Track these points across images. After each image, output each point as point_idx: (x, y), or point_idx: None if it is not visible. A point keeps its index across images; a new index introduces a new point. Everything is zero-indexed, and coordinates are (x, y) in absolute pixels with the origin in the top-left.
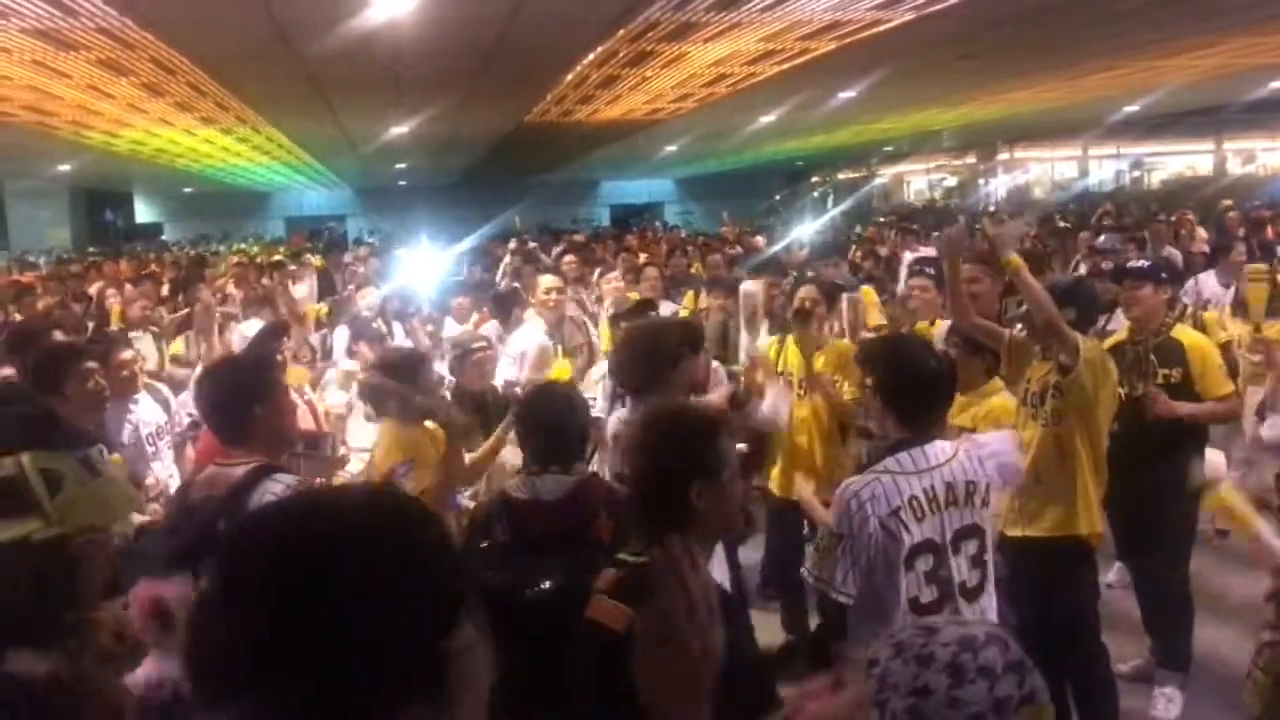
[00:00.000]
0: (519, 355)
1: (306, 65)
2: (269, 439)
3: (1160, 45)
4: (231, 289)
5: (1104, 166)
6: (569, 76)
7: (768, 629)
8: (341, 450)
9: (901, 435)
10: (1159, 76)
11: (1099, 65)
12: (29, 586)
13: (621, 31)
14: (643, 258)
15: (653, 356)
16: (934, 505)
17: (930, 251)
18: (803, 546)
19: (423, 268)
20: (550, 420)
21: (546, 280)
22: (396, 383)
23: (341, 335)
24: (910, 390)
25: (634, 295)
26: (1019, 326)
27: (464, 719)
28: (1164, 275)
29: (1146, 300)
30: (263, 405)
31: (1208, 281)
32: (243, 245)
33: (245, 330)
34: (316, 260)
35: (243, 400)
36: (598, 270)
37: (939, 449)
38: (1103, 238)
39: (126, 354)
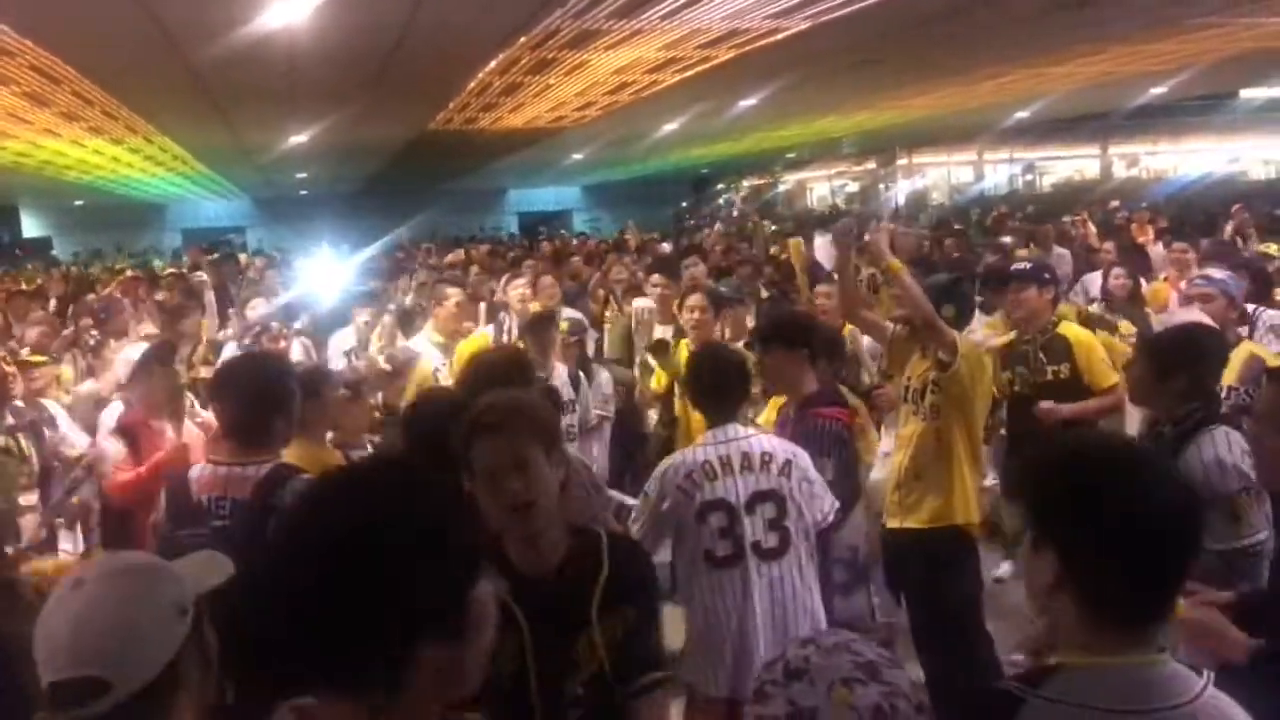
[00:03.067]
0: None
1: (197, 72)
2: (281, 442)
3: (1046, 54)
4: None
5: (998, 171)
6: (470, 84)
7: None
8: None
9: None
10: (1046, 83)
11: (990, 73)
12: None
13: (522, 39)
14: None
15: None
16: (728, 469)
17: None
18: None
19: (319, 279)
20: (436, 432)
21: (454, 292)
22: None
23: (230, 351)
24: (706, 389)
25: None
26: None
27: (473, 658)
28: (1047, 276)
29: (1030, 301)
30: (287, 410)
31: (1094, 280)
32: (132, 263)
33: (129, 354)
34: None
35: (273, 402)
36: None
37: (737, 429)
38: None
39: None
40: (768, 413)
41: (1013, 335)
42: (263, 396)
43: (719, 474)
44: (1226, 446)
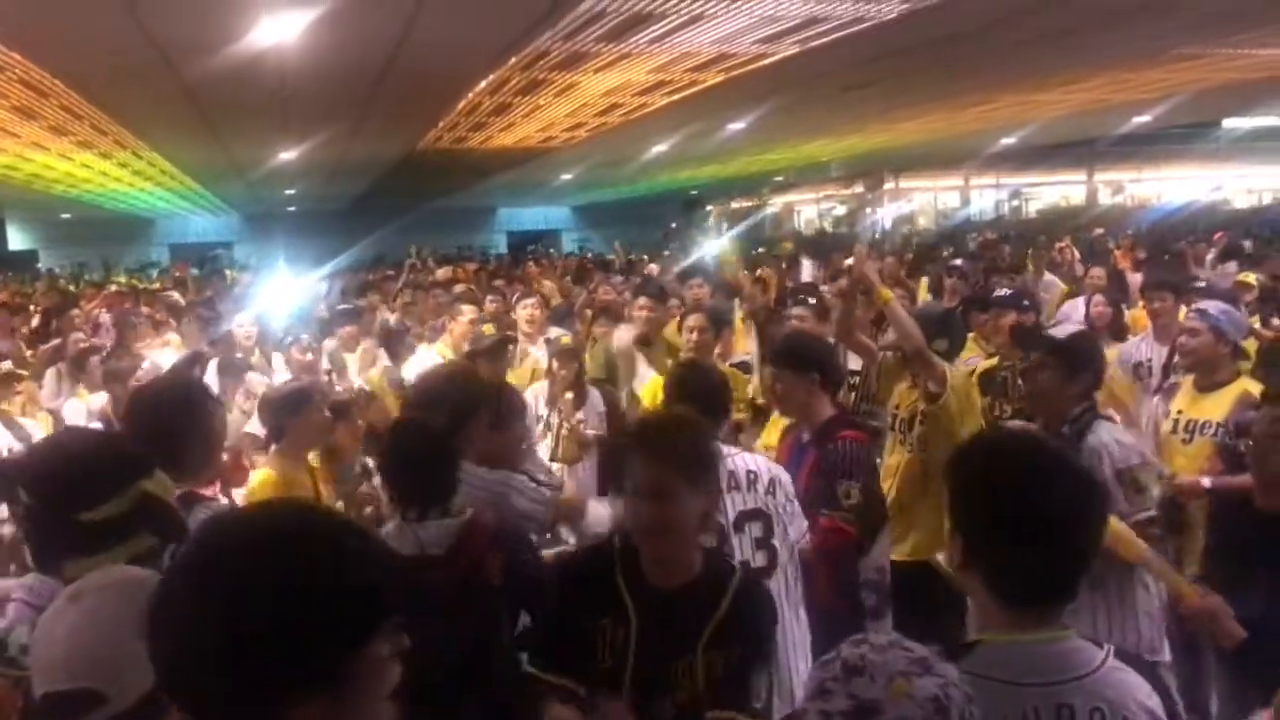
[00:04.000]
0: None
1: (188, 88)
2: (197, 467)
3: (1032, 81)
4: (104, 318)
5: (984, 196)
6: (460, 104)
7: None
8: None
9: None
10: (1032, 110)
11: (975, 99)
12: None
13: (512, 60)
14: (548, 284)
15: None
16: None
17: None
18: None
19: (299, 293)
20: (420, 459)
21: (469, 310)
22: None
23: (211, 370)
24: (688, 405)
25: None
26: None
27: (365, 717)
28: (1026, 304)
29: (1010, 328)
30: (195, 434)
31: (1078, 306)
32: (120, 278)
33: (159, 360)
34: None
35: (173, 427)
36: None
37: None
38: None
39: None
40: (768, 434)
41: (994, 360)
42: (171, 424)
43: None
44: (1117, 431)
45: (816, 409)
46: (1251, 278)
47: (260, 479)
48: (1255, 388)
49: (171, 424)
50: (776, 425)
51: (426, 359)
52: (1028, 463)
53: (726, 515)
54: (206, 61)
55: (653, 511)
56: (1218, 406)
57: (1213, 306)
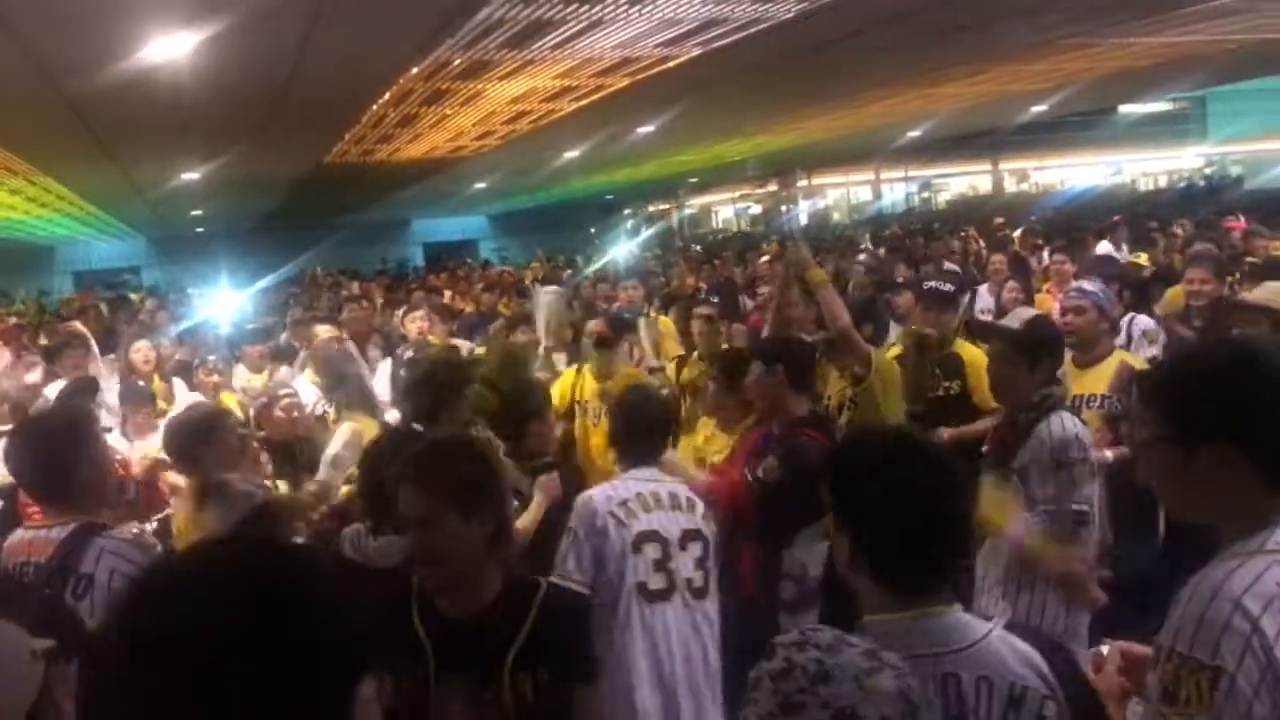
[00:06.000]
0: None
1: (78, 110)
2: (90, 497)
3: (931, 75)
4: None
5: (895, 189)
6: (365, 116)
7: None
8: None
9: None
10: (933, 103)
11: (878, 94)
12: None
13: (414, 70)
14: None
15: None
16: (659, 505)
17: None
18: None
19: (212, 313)
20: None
21: (324, 330)
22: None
23: (111, 397)
24: (631, 431)
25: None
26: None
27: None
28: (961, 299)
29: (950, 323)
30: (84, 463)
31: (982, 295)
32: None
33: (49, 393)
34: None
35: (63, 458)
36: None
37: (656, 472)
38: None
39: None
40: (698, 436)
41: (896, 348)
42: (54, 456)
43: (651, 507)
44: (1073, 424)
45: (787, 404)
46: (1144, 258)
47: (185, 520)
48: (1131, 358)
49: (62, 455)
50: (707, 426)
51: (301, 385)
52: (908, 462)
53: (670, 531)
54: (94, 80)
55: (422, 539)
56: (1099, 380)
57: (1090, 284)
